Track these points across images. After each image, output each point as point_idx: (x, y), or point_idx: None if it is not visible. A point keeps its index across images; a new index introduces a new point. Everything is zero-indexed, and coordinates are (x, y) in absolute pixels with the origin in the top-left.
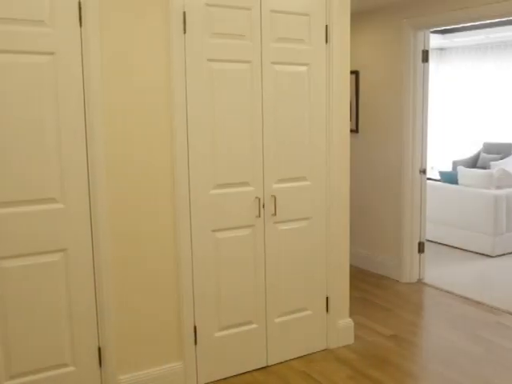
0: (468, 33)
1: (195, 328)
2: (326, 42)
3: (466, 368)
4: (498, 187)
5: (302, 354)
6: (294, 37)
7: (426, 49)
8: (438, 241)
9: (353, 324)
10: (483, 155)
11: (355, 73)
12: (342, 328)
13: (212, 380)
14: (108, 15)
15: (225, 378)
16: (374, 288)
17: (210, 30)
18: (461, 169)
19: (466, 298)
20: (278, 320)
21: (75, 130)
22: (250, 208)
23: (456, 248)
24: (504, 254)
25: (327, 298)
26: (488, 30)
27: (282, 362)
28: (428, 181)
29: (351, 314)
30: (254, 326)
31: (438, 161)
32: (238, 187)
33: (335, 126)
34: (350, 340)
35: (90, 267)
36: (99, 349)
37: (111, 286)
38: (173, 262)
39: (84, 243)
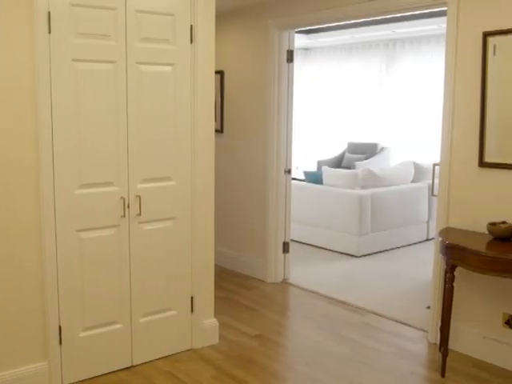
0: (333, 33)
1: (60, 328)
2: (191, 41)
3: (331, 368)
4: (363, 187)
5: (167, 354)
6: (159, 37)
7: (291, 49)
8: (304, 241)
9: (218, 324)
10: (348, 155)
11: (220, 73)
12: (206, 328)
13: (77, 380)
14: None
15: (90, 378)
16: (239, 288)
17: (75, 30)
18: (325, 169)
19: (331, 298)
20: (142, 320)
21: None
22: (115, 208)
23: (321, 248)
24: (369, 254)
25: (192, 297)
26: (353, 30)
27: (147, 362)
28: (293, 181)
29: (216, 314)
30: (118, 326)
31: (302, 161)
32: (103, 187)
33: (200, 126)
34: (215, 340)
35: None
36: None
37: None
38: (38, 262)
39: None
